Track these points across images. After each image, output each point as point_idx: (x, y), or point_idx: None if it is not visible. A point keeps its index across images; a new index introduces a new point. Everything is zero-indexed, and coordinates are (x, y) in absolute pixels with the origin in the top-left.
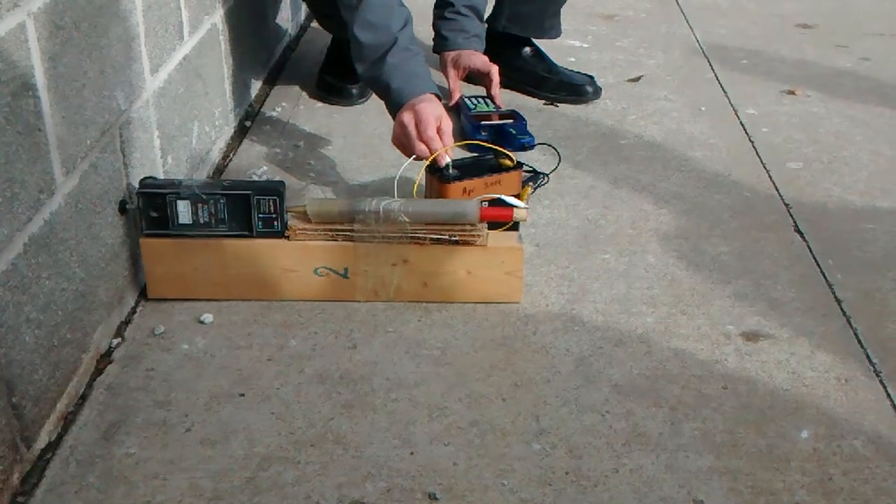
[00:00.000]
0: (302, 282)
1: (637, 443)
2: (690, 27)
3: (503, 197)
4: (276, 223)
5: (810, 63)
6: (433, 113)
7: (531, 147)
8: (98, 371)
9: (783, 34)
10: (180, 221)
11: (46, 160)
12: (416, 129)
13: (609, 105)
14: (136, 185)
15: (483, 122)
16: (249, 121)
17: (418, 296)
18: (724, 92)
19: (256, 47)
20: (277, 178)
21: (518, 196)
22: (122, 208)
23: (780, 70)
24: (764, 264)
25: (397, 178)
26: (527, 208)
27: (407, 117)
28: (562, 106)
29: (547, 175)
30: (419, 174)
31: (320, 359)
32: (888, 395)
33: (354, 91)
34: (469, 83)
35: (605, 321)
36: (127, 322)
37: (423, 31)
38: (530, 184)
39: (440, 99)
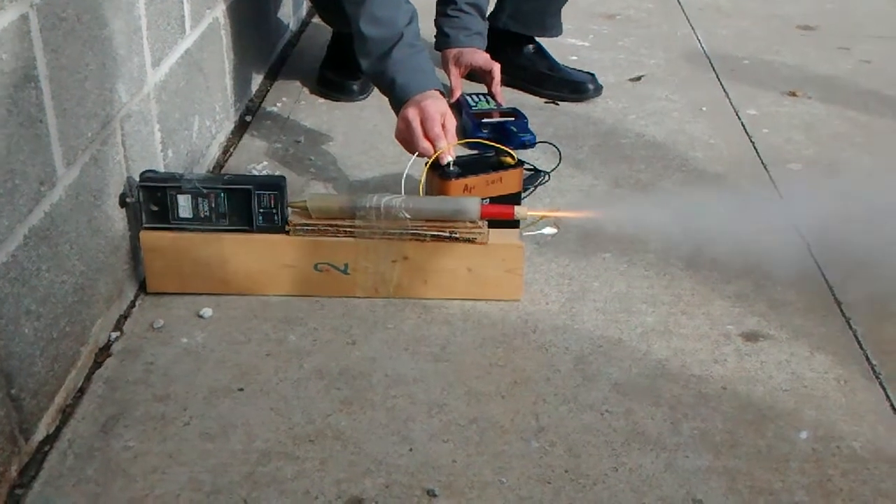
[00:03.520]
0: (302, 277)
1: (636, 442)
2: (692, 27)
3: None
4: (276, 218)
5: (811, 64)
6: (438, 110)
7: (532, 145)
8: (97, 364)
9: (784, 35)
10: (180, 215)
11: (47, 152)
12: (420, 126)
13: (610, 104)
14: (137, 179)
15: (484, 120)
16: (250, 115)
17: (418, 292)
18: (725, 92)
19: (258, 42)
20: (278, 173)
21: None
22: (123, 201)
23: (781, 71)
24: (764, 265)
25: (405, 175)
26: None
27: (412, 113)
28: (563, 104)
29: (548, 173)
30: (424, 172)
31: (319, 354)
32: (887, 397)
33: (355, 87)
34: (470, 81)
35: (605, 320)
36: (126, 315)
37: (425, 27)
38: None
39: (444, 95)
